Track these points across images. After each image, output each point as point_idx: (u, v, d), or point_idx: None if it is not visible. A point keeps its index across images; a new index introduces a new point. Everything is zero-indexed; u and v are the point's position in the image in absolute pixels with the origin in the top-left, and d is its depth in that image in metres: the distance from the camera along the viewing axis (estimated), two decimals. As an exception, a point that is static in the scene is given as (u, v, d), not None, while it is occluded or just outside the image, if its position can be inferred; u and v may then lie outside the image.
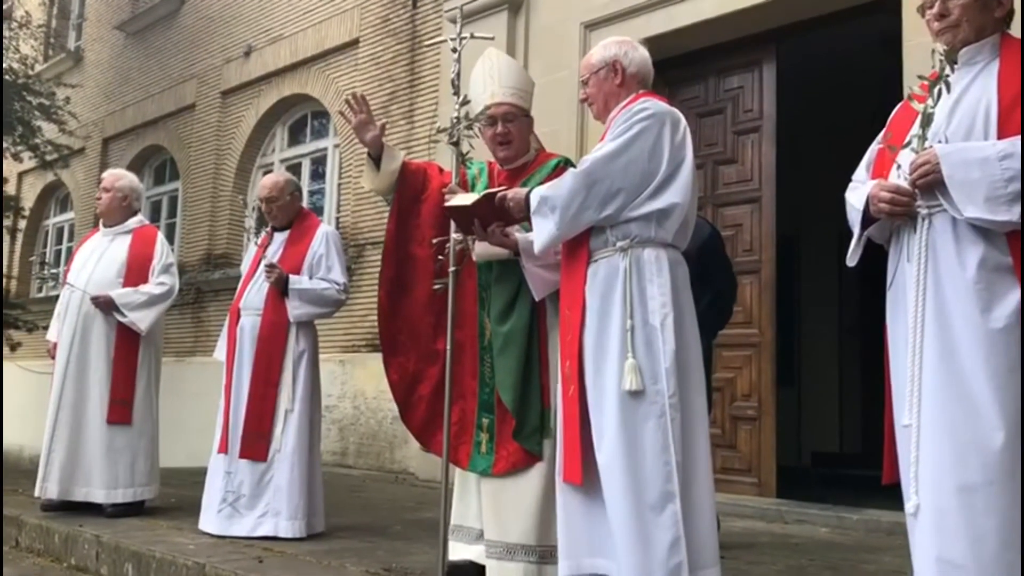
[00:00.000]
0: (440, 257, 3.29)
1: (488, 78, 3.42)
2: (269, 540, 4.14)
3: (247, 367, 4.40)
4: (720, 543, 2.84)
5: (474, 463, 3.28)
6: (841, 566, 3.94)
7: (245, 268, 4.72)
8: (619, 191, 2.70)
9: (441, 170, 3.60)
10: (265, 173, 10.20)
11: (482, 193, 3.05)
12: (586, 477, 2.71)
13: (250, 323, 4.45)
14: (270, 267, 4.39)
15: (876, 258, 2.53)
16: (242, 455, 4.30)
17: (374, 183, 3.53)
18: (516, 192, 2.93)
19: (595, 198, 2.70)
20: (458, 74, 3.40)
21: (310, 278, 4.50)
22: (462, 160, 3.41)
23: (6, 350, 10.53)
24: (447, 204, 3.17)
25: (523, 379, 3.21)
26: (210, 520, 4.33)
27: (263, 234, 4.72)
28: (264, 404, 4.32)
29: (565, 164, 3.42)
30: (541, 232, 2.79)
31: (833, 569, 3.85)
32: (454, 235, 3.26)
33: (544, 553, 3.14)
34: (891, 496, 2.42)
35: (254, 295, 4.48)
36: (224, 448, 4.38)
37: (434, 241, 3.35)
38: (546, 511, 3.14)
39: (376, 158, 3.49)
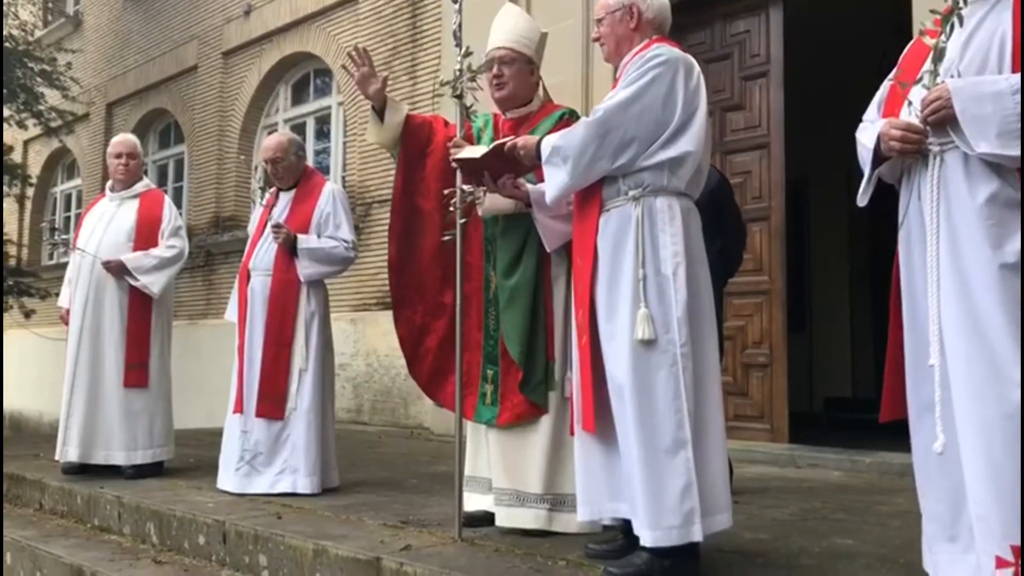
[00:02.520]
0: (451, 209, 3.28)
1: (496, 31, 3.42)
2: (287, 496, 4.19)
3: (259, 328, 4.41)
4: (733, 489, 2.87)
5: (479, 414, 3.33)
6: (854, 508, 3.96)
7: (252, 229, 4.71)
8: (632, 139, 2.68)
9: (447, 123, 3.58)
10: (270, 133, 10.18)
11: (491, 145, 3.03)
12: (601, 425, 2.73)
13: (260, 284, 4.45)
14: (277, 227, 4.39)
15: (887, 201, 2.50)
16: (258, 414, 4.33)
17: (378, 136, 3.53)
18: (527, 140, 2.91)
19: (608, 147, 2.68)
20: (459, 25, 3.36)
21: (318, 237, 4.49)
22: (466, 113, 3.39)
23: (20, 318, 10.61)
24: (456, 157, 3.15)
25: (530, 332, 3.23)
26: (228, 479, 4.38)
27: (267, 195, 4.71)
28: (278, 364, 4.35)
29: (570, 115, 3.40)
30: (553, 182, 2.77)
31: (846, 511, 3.88)
32: (461, 187, 3.25)
33: (554, 500, 3.20)
34: (904, 438, 2.42)
35: (263, 256, 4.48)
36: (240, 408, 4.42)
37: (445, 192, 3.34)
38: (554, 461, 3.21)
39: (380, 111, 3.47)
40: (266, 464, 4.32)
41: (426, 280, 3.49)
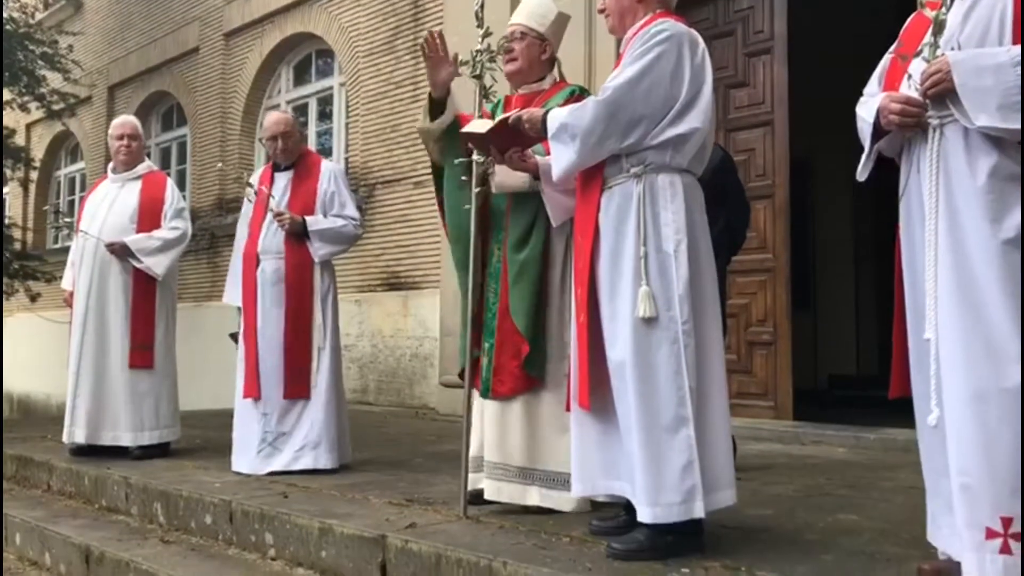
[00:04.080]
0: (463, 178, 3.30)
1: (517, 10, 3.45)
2: (293, 475, 4.22)
3: (275, 310, 4.42)
4: (737, 466, 2.88)
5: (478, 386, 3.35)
6: (859, 483, 3.97)
7: (248, 211, 4.69)
8: (642, 118, 2.66)
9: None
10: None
11: (497, 119, 3.02)
12: (597, 403, 2.74)
13: (272, 266, 4.45)
14: (280, 216, 4.41)
15: (891, 179, 2.49)
16: (287, 396, 4.36)
17: (427, 130, 3.47)
18: (532, 112, 2.90)
19: (617, 126, 2.66)
20: (482, 5, 3.34)
21: (324, 216, 4.52)
22: (485, 94, 3.38)
23: (27, 301, 10.65)
24: (463, 131, 3.14)
25: (536, 307, 3.25)
26: (247, 462, 4.38)
27: (258, 173, 4.70)
28: (300, 344, 4.40)
29: (580, 92, 3.40)
30: (560, 160, 2.76)
31: (851, 487, 3.89)
32: (476, 157, 3.25)
33: (545, 477, 3.22)
34: (908, 415, 2.42)
35: (271, 238, 4.47)
36: (255, 392, 4.40)
37: (455, 162, 3.34)
38: (548, 437, 3.23)
39: (438, 101, 3.42)
40: (287, 442, 4.36)
41: None
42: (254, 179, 4.68)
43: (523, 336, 3.23)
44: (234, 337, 4.69)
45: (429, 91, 3.46)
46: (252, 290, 4.49)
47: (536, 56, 3.43)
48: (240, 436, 4.47)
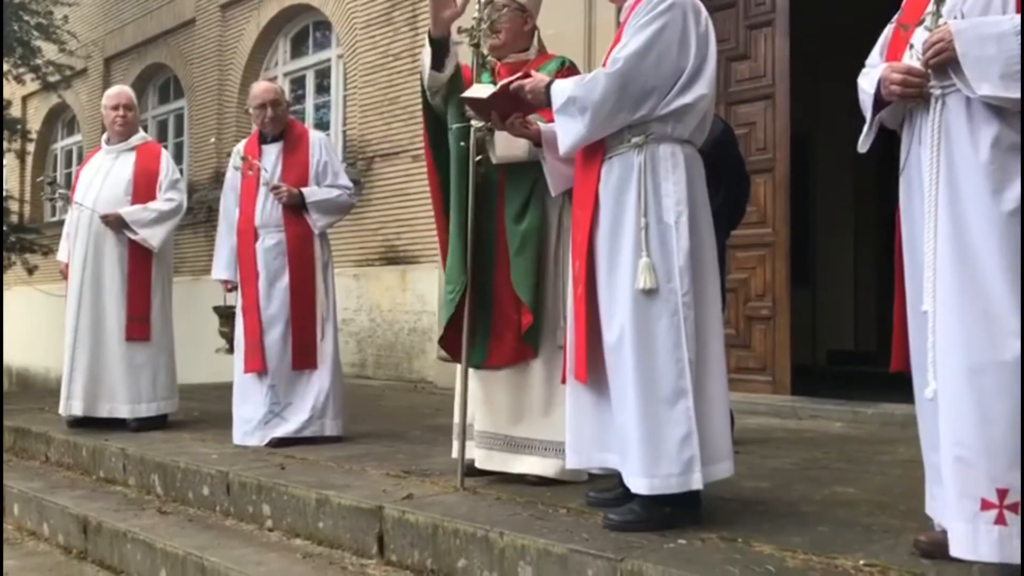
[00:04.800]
0: (461, 143, 3.27)
1: None
2: (291, 447, 4.23)
3: (279, 283, 4.42)
4: (734, 439, 2.88)
5: (472, 357, 3.32)
6: (856, 457, 3.98)
7: (235, 184, 4.64)
8: (653, 89, 2.64)
9: None
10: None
11: (499, 84, 2.98)
12: (594, 375, 2.73)
13: (273, 240, 4.44)
14: (276, 189, 4.39)
15: (893, 154, 2.46)
16: (295, 367, 4.40)
17: (428, 77, 3.36)
18: (535, 82, 2.84)
19: (629, 99, 2.63)
20: None
21: (318, 186, 4.52)
22: (482, 62, 3.35)
23: (24, 275, 10.63)
24: (464, 95, 3.09)
25: (539, 278, 3.25)
26: (251, 435, 4.39)
27: (243, 144, 4.66)
28: (307, 315, 4.44)
29: (571, 66, 3.38)
30: (568, 134, 2.71)
31: (848, 460, 3.90)
32: (475, 123, 3.22)
33: (537, 446, 3.25)
34: (906, 390, 2.42)
35: (270, 212, 4.45)
36: (258, 366, 4.39)
37: (452, 127, 3.31)
38: (536, 405, 3.25)
39: (438, 40, 3.28)
40: (295, 412, 4.40)
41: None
42: (238, 149, 4.66)
43: (528, 307, 3.23)
44: (220, 311, 4.63)
45: (428, 31, 3.33)
46: (251, 265, 4.46)
47: (519, 28, 3.42)
48: (243, 412, 4.46)
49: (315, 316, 4.45)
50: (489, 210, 3.33)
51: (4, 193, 11.11)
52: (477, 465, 3.33)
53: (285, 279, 4.42)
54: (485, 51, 3.32)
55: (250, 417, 4.42)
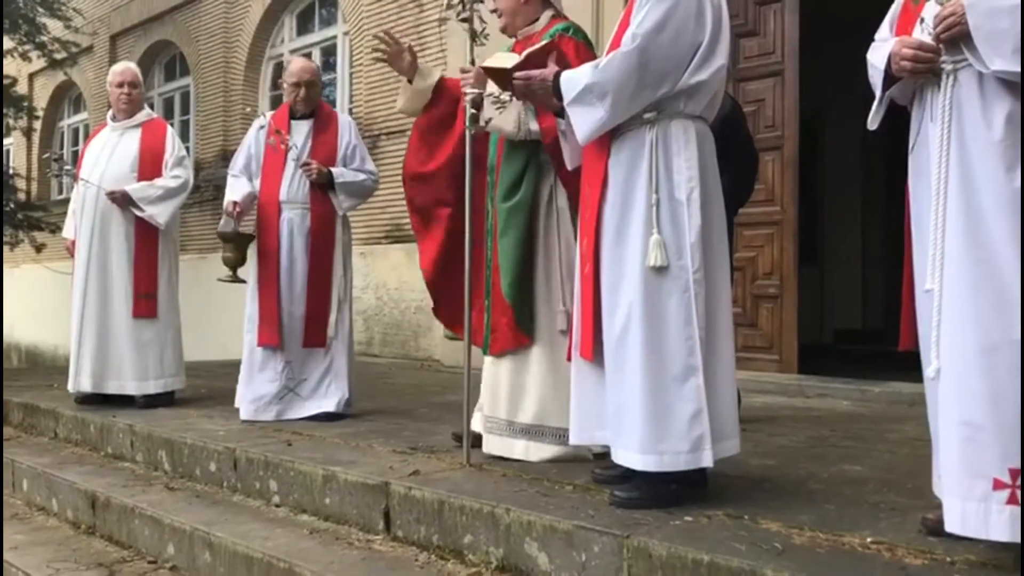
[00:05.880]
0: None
1: None
2: (298, 424, 4.25)
3: (299, 261, 4.44)
4: (741, 417, 2.87)
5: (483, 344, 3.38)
6: (864, 436, 3.97)
7: (256, 150, 4.61)
8: (672, 64, 2.59)
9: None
10: (276, 65, 10.05)
11: (523, 55, 2.88)
12: (599, 354, 2.72)
13: (298, 216, 4.46)
14: (307, 165, 4.40)
15: (902, 132, 2.44)
16: (306, 345, 4.44)
17: (406, 103, 3.57)
18: (543, 75, 2.76)
19: (651, 76, 2.58)
20: None
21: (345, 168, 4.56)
22: (475, 38, 3.30)
23: (32, 252, 10.65)
24: (484, 65, 2.99)
25: (521, 262, 3.24)
26: (264, 409, 4.40)
27: (268, 119, 4.63)
28: (323, 295, 4.47)
29: (563, 32, 3.26)
30: (587, 121, 2.65)
31: (855, 439, 3.89)
32: (467, 91, 3.21)
33: (526, 430, 3.26)
34: (914, 368, 2.41)
35: (296, 188, 4.46)
36: (275, 341, 4.40)
37: (468, 127, 3.32)
38: (531, 390, 3.25)
39: (414, 81, 3.50)
40: (311, 389, 4.45)
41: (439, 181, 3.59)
42: (267, 117, 4.65)
43: (507, 298, 3.25)
44: (227, 236, 4.46)
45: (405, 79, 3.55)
46: (273, 239, 4.45)
47: (516, 3, 3.35)
48: (254, 387, 4.46)
49: (330, 297, 4.49)
50: (490, 196, 3.36)
51: (11, 171, 11.13)
52: (485, 450, 3.35)
53: (307, 256, 4.45)
54: (477, 27, 3.28)
55: (263, 392, 4.43)
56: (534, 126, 3.13)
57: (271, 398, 4.42)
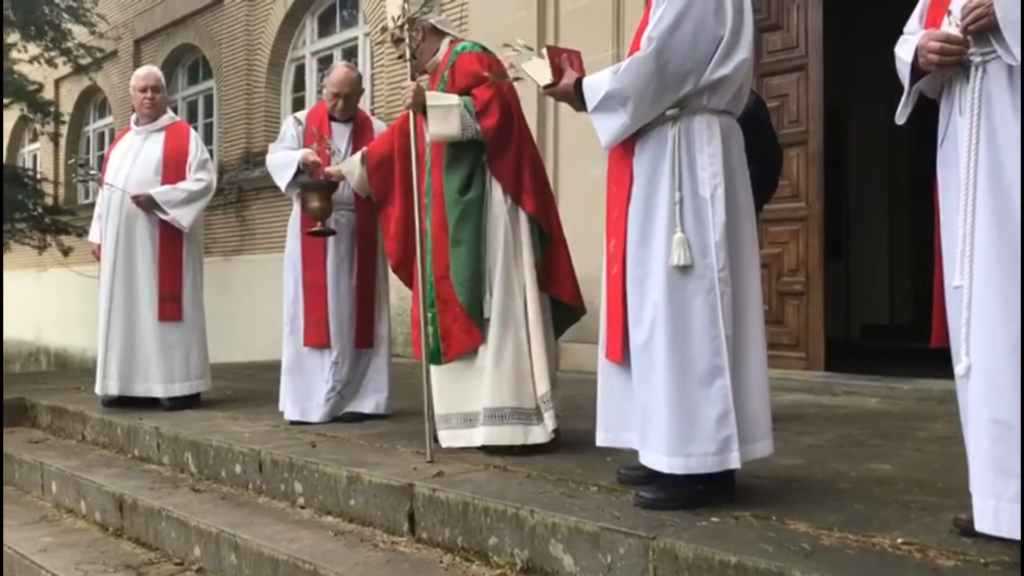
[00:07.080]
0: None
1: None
2: (322, 426, 4.27)
3: (346, 262, 4.48)
4: (767, 416, 2.83)
5: (430, 356, 3.53)
6: (892, 433, 3.92)
7: (294, 152, 4.51)
8: (693, 63, 2.55)
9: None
10: (298, 67, 10.11)
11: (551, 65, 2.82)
12: (626, 356, 2.69)
13: (345, 219, 4.49)
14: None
15: (928, 126, 2.40)
16: (358, 345, 4.50)
17: (359, 190, 4.17)
18: (564, 87, 2.75)
19: (672, 77, 2.54)
20: None
21: None
22: (412, 56, 3.51)
23: (60, 256, 10.76)
24: (523, 66, 2.89)
25: (475, 263, 3.41)
26: (313, 409, 4.42)
27: (307, 112, 4.68)
28: (370, 295, 4.54)
29: (462, 50, 3.55)
30: (610, 127, 2.63)
31: (883, 436, 3.84)
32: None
33: (482, 416, 3.41)
34: (943, 365, 2.37)
35: (340, 191, 4.41)
36: (323, 341, 4.43)
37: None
38: (486, 375, 3.40)
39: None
40: (355, 390, 4.51)
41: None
42: (301, 116, 4.68)
43: (463, 307, 3.40)
44: (309, 185, 4.40)
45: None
46: (319, 240, 4.45)
47: (418, 44, 3.63)
48: (299, 386, 4.46)
49: (376, 296, 4.55)
50: (431, 219, 3.51)
51: (39, 175, 11.25)
52: (443, 445, 3.49)
53: (354, 258, 4.49)
54: (413, 45, 3.52)
55: (310, 392, 4.44)
56: (478, 125, 3.35)
57: (320, 398, 4.43)
